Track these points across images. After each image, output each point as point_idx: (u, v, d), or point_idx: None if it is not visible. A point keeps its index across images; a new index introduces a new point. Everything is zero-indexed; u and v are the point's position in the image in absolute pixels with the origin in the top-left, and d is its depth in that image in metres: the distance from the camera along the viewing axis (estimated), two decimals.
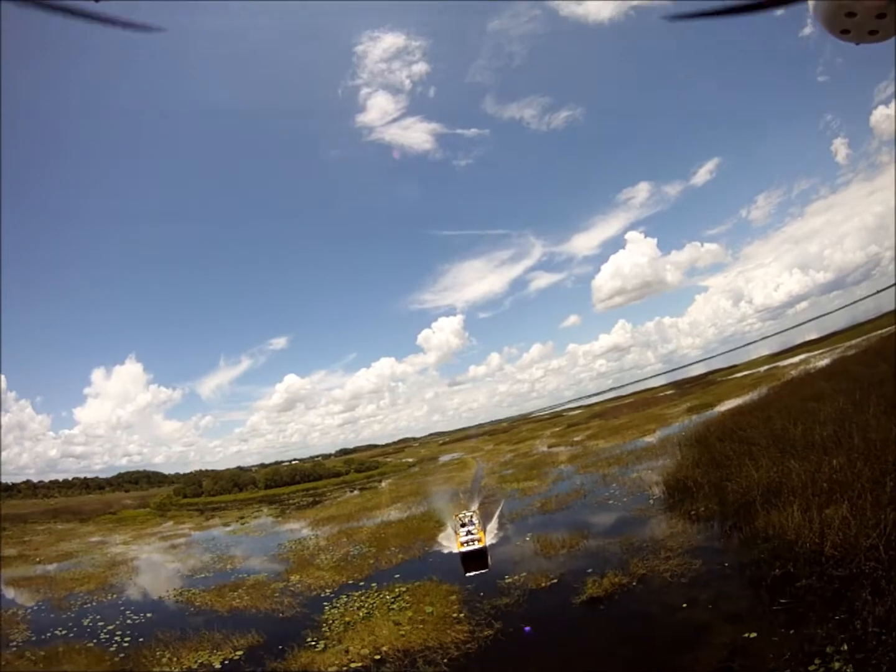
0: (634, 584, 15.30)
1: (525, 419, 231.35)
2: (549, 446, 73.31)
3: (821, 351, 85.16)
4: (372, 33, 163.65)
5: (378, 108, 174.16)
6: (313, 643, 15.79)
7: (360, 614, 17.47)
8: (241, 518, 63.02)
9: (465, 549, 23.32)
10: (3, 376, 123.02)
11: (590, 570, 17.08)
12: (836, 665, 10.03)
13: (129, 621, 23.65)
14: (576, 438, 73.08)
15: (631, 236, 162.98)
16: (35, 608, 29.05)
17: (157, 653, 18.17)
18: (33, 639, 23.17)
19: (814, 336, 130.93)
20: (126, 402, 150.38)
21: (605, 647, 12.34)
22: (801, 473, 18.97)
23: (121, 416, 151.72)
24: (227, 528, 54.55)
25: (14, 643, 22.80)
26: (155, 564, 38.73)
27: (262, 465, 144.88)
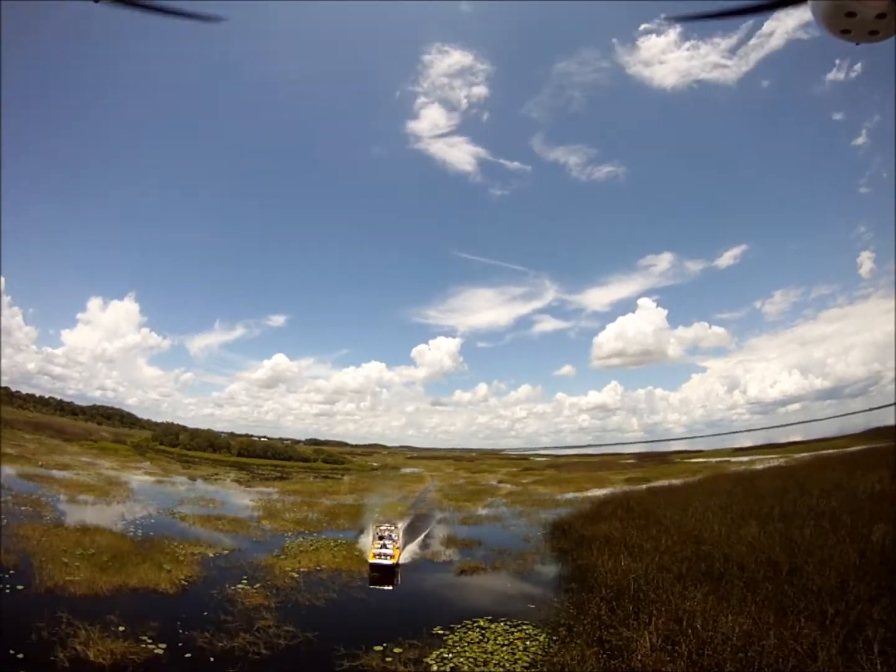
0: (488, 570, 23.68)
1: (495, 454, 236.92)
2: (499, 481, 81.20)
3: (771, 456, 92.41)
4: (442, 46, 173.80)
5: (430, 120, 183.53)
6: (277, 555, 24.16)
7: (311, 548, 25.90)
8: (216, 475, 70.89)
9: (375, 560, 24.09)
10: (2, 278, 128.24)
11: (467, 558, 25.49)
12: (562, 631, 18.17)
13: (137, 522, 31.75)
14: (523, 481, 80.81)
15: (643, 303, 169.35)
16: (54, 498, 36.84)
17: (166, 542, 26.30)
18: (62, 519, 30.94)
19: (798, 438, 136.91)
20: (115, 337, 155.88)
21: (452, 592, 20.69)
22: (635, 538, 27.22)
23: (106, 349, 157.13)
24: (204, 480, 62.42)
25: (47, 517, 30.68)
26: (146, 490, 46.74)
27: (233, 435, 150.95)
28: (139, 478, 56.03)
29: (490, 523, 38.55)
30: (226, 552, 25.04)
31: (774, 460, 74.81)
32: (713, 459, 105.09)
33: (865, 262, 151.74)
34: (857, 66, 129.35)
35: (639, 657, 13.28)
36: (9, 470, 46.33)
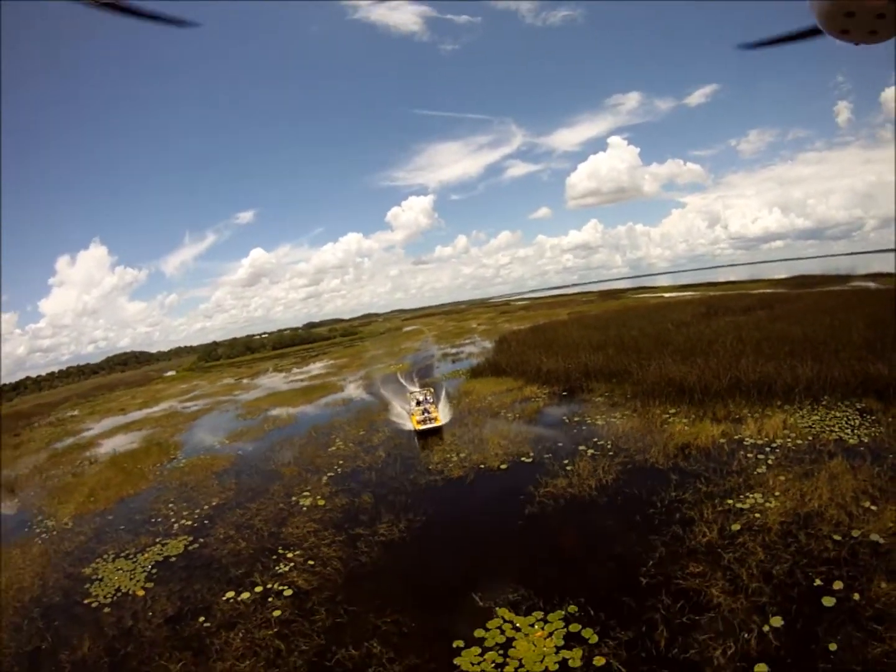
0: (464, 358, 51.52)
1: (483, 303, 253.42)
2: (478, 324, 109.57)
3: (695, 293, 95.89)
4: None
5: None
6: (367, 373, 51.96)
7: (373, 372, 53.80)
8: (276, 366, 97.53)
9: (422, 427, 24.29)
10: None
11: (453, 355, 53.46)
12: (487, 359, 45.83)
13: (288, 385, 58.68)
14: (497, 321, 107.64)
15: (613, 141, 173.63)
16: (227, 398, 63.11)
17: (310, 388, 53.26)
18: (253, 399, 57.61)
19: (781, 276, 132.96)
20: (91, 286, 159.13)
21: (446, 365, 48.46)
22: (529, 337, 54.57)
23: (87, 301, 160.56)
24: (271, 371, 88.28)
25: (252, 395, 57.42)
26: (258, 384, 73.66)
27: (234, 340, 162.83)
28: (240, 382, 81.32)
29: (467, 345, 66.74)
30: (341, 382, 52.59)
31: (689, 296, 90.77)
32: (649, 296, 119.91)
33: (843, 111, 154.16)
34: None
35: (503, 362, 40.44)
36: (173, 402, 71.04)
